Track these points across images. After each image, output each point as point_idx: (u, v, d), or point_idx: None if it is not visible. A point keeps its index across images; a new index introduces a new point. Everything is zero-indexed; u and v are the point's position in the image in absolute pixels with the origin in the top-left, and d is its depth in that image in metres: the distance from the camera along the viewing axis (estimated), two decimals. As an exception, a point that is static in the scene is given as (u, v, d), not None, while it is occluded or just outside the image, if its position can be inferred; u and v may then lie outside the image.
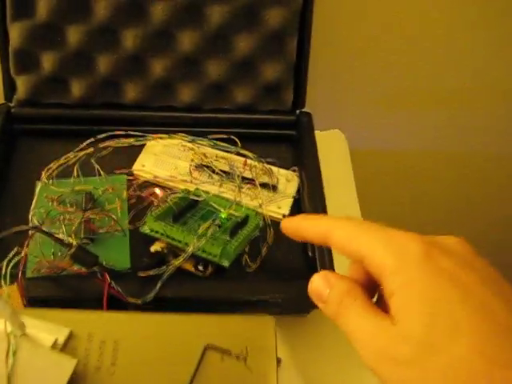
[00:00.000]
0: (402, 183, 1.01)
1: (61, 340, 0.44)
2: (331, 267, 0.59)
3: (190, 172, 0.68)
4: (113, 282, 0.55)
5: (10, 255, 0.51)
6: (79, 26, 0.67)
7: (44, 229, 0.58)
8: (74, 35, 0.67)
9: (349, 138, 0.81)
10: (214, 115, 0.73)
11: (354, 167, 0.79)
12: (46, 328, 0.44)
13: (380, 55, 0.84)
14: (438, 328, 0.31)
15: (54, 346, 0.44)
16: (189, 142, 0.69)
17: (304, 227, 0.40)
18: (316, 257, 0.60)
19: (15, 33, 0.67)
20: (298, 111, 0.74)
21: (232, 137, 0.70)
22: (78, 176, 0.65)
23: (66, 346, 0.44)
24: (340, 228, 0.36)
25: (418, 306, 0.31)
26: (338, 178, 0.76)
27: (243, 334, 0.46)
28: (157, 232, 0.59)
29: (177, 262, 0.57)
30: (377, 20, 0.80)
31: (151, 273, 0.57)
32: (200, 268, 0.59)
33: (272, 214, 0.66)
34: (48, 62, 0.68)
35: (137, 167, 0.69)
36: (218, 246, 0.57)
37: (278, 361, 0.58)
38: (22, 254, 0.53)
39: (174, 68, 0.70)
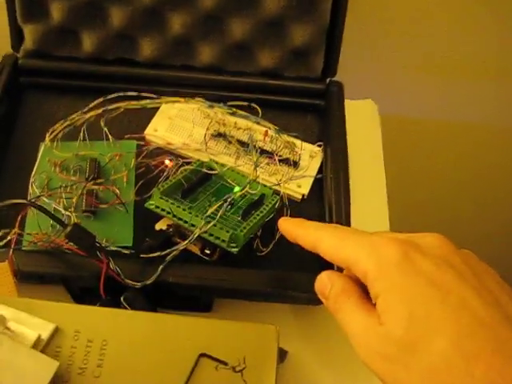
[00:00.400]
0: (431, 155, 0.95)
1: (44, 336, 0.41)
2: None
3: (205, 141, 0.63)
4: (111, 263, 0.51)
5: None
6: (91, -28, 0.61)
7: (44, 199, 0.55)
8: (85, -18, 0.61)
9: (380, 108, 0.75)
10: (235, 78, 0.66)
11: (383, 135, 0.73)
12: (30, 322, 0.41)
13: (416, 21, 0.76)
14: (417, 328, 0.33)
15: (37, 342, 0.40)
16: (206, 107, 0.64)
17: (296, 234, 0.44)
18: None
19: (22, -23, 0.61)
20: (328, 80, 0.67)
21: (253, 105, 0.64)
22: (84, 139, 0.61)
23: (49, 343, 0.41)
24: (327, 238, 0.40)
25: (398, 308, 0.34)
26: (366, 152, 0.70)
27: (242, 343, 0.41)
28: (163, 210, 0.55)
29: (181, 246, 0.53)
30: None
31: (154, 255, 0.53)
32: (207, 251, 0.54)
33: (290, 193, 0.61)
34: (57, 10, 0.63)
35: (149, 131, 0.64)
36: (226, 230, 0.52)
37: (284, 353, 0.55)
38: (15, 229, 0.49)
39: (194, 24, 0.63)
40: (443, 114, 0.88)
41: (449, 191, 1.02)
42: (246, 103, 0.64)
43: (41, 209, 0.50)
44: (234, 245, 0.54)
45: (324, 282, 0.41)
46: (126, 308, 0.52)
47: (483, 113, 0.88)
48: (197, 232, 0.52)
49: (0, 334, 0.39)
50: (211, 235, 0.53)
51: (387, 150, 0.72)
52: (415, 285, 0.34)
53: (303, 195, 0.61)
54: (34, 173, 0.57)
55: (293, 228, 0.44)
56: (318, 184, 0.62)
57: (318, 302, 0.57)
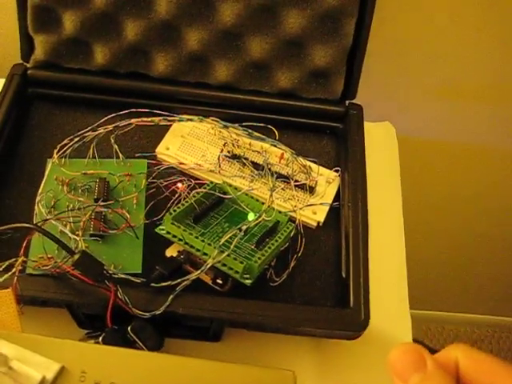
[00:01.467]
0: (449, 177, 0.93)
1: (49, 377, 0.38)
2: (366, 292, 0.52)
3: (219, 162, 0.60)
4: (119, 291, 0.49)
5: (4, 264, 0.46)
6: (107, -17, 0.58)
7: (52, 221, 0.53)
8: (100, -6, 0.59)
9: (398, 130, 0.73)
10: (251, 98, 0.64)
11: (401, 157, 0.71)
12: (35, 361, 0.39)
13: (434, 46, 0.74)
14: None
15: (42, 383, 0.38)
16: (221, 127, 0.61)
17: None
18: (350, 279, 0.53)
19: (35, -14, 0.59)
20: (347, 102, 0.65)
21: (269, 126, 0.62)
22: (93, 156, 0.58)
23: (54, 385, 0.39)
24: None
25: None
26: (383, 176, 0.68)
27: (258, 390, 0.39)
28: (174, 236, 0.53)
29: (192, 276, 0.50)
30: (436, 9, 0.70)
31: (164, 284, 0.51)
32: (219, 281, 0.52)
33: (305, 220, 0.59)
34: (70, 21, 0.60)
35: (160, 150, 0.62)
36: (240, 261, 0.50)
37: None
38: (21, 257, 0.47)
39: (211, 41, 0.61)
40: (459, 137, 0.86)
41: (467, 215, 1.00)
42: (261, 124, 0.62)
43: (47, 234, 0.47)
44: (247, 276, 0.51)
45: (408, 360, 0.28)
46: (132, 338, 0.50)
47: (500, 136, 0.86)
48: (210, 262, 0.50)
49: (2, 374, 0.37)
50: (224, 265, 0.51)
51: (404, 172, 0.70)
52: None
53: (319, 222, 0.59)
54: (40, 191, 0.55)
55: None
56: (334, 211, 0.60)
57: (332, 337, 0.55)
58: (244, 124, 0.61)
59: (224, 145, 0.61)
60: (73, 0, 0.59)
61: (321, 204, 0.59)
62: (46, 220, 0.51)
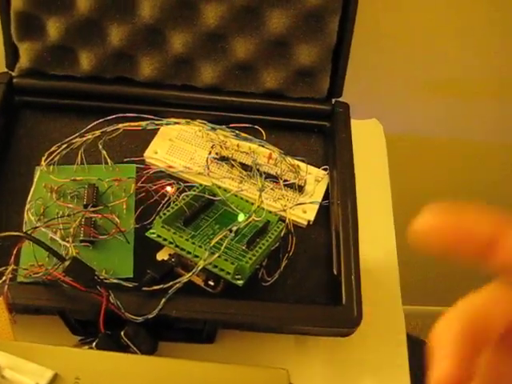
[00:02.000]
0: (437, 173, 0.93)
1: (43, 384, 0.39)
2: (358, 289, 0.53)
3: (207, 164, 0.60)
4: (111, 296, 0.49)
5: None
6: (90, -11, 0.58)
7: (41, 228, 0.53)
8: None
9: (385, 128, 0.73)
10: (237, 99, 0.64)
11: (389, 155, 0.71)
12: (28, 368, 0.38)
13: (420, 41, 0.75)
14: None
15: (35, 391, 0.38)
16: (208, 129, 0.61)
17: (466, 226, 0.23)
18: (342, 276, 0.54)
19: (17, -7, 0.58)
20: (333, 100, 0.65)
21: (256, 127, 0.62)
22: (82, 163, 0.58)
23: (48, 392, 0.39)
24: None
25: None
26: (372, 173, 0.68)
27: (252, 390, 0.40)
28: (165, 239, 0.53)
29: (184, 279, 0.50)
30: (419, 5, 0.71)
31: (156, 288, 0.51)
32: (210, 283, 0.52)
33: (295, 219, 0.59)
34: (54, 28, 0.60)
35: (149, 154, 0.62)
36: (231, 261, 0.50)
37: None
38: (11, 266, 0.47)
39: (195, 43, 0.61)
40: (448, 133, 0.87)
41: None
42: (249, 125, 0.62)
43: (37, 242, 0.47)
44: (239, 277, 0.52)
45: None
46: (126, 342, 0.50)
47: (488, 131, 0.87)
48: (201, 264, 0.50)
49: (-5, 383, 0.37)
50: (215, 267, 0.51)
51: (392, 169, 0.70)
52: None
53: (309, 221, 0.59)
54: (29, 199, 0.55)
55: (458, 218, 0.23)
56: (323, 209, 0.60)
57: (325, 334, 0.56)
58: (231, 125, 0.61)
59: (212, 147, 0.61)
60: (56, 7, 0.59)
61: (310, 203, 0.59)
62: (36, 228, 0.51)
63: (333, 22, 0.59)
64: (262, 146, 0.62)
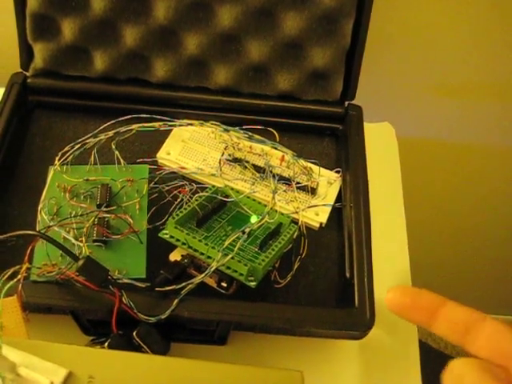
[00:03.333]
0: (449, 177, 0.93)
1: (57, 382, 0.38)
2: (370, 292, 0.53)
3: (220, 166, 0.60)
4: (124, 296, 0.49)
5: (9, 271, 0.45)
6: (105, -10, 0.58)
7: (54, 228, 0.53)
8: (98, 0, 0.59)
9: (397, 131, 0.73)
10: (251, 101, 0.64)
11: (401, 158, 0.71)
12: (42, 367, 0.39)
13: (434, 45, 0.74)
14: None
15: (49, 389, 0.38)
16: (221, 131, 0.61)
17: (442, 310, 0.30)
18: (354, 279, 0.53)
19: (33, -6, 0.59)
20: (346, 103, 0.65)
21: (269, 129, 0.62)
22: (95, 163, 0.58)
23: (62, 390, 0.39)
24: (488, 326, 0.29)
25: None
26: (384, 176, 0.68)
27: (267, 391, 0.39)
28: (177, 240, 0.53)
29: (197, 280, 0.50)
30: (432, 9, 0.71)
31: (169, 288, 0.51)
32: (223, 284, 0.52)
33: (308, 221, 0.59)
34: (69, 28, 0.60)
35: (161, 155, 0.62)
36: (244, 263, 0.50)
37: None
38: (25, 265, 0.47)
39: (209, 45, 0.61)
40: (460, 137, 0.86)
41: (468, 212, 1.00)
42: (262, 127, 0.62)
43: (51, 241, 0.47)
44: (252, 278, 0.51)
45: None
46: (138, 343, 0.50)
47: (500, 135, 0.87)
48: (214, 265, 0.50)
49: (10, 381, 0.37)
50: (228, 268, 0.51)
51: (404, 172, 0.70)
52: None
53: (321, 223, 0.59)
54: (42, 198, 0.55)
55: (435, 301, 0.31)
56: (336, 212, 0.60)
57: (338, 337, 0.55)
58: (244, 127, 0.61)
59: (225, 148, 0.61)
60: (71, 7, 0.59)
61: (323, 205, 0.59)
62: (49, 227, 0.51)
63: (347, 24, 0.59)
64: (275, 148, 0.62)
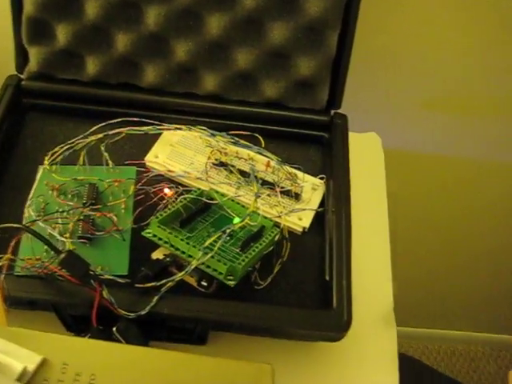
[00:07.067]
0: (434, 189, 0.94)
1: (31, 368, 0.39)
2: (348, 294, 0.53)
3: (206, 170, 0.62)
4: (105, 291, 0.50)
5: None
6: (98, -3, 0.60)
7: (40, 223, 0.54)
8: (91, 7, 0.61)
9: (384, 141, 0.74)
10: (238, 108, 0.66)
11: (387, 167, 0.72)
12: (17, 353, 0.39)
13: (420, 57, 0.76)
14: None
15: (23, 374, 0.39)
16: (208, 136, 0.63)
17: None
18: (333, 282, 0.54)
19: (29, -1, 0.61)
20: (332, 112, 0.66)
21: (256, 135, 0.63)
22: (84, 164, 0.60)
23: (36, 376, 0.39)
24: None
25: None
26: (369, 185, 0.69)
27: (237, 382, 0.40)
28: (160, 239, 0.54)
29: (177, 277, 0.51)
30: (420, 22, 0.73)
31: (149, 285, 0.52)
32: (203, 283, 0.53)
33: (291, 226, 0.60)
34: (63, 33, 0.62)
35: (150, 158, 0.63)
36: (224, 262, 0.51)
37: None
38: (8, 255, 0.48)
39: (198, 52, 0.63)
40: (446, 149, 0.88)
41: (451, 224, 1.01)
42: (248, 133, 0.64)
43: (35, 234, 0.49)
44: (231, 277, 0.52)
45: None
46: (117, 338, 0.51)
47: (485, 148, 0.88)
48: (194, 263, 0.51)
49: (-16, 364, 0.38)
50: (208, 267, 0.52)
51: (390, 183, 0.71)
52: None
53: (304, 228, 0.60)
54: (31, 196, 0.57)
55: None
56: (319, 217, 0.61)
57: (316, 338, 0.56)
58: (231, 132, 0.63)
59: (211, 153, 0.63)
60: (65, 13, 0.61)
61: (304, 210, 0.60)
62: (34, 221, 0.52)
63: (332, 35, 0.61)
64: (261, 154, 0.63)
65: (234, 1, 0.60)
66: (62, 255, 0.48)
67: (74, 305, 0.51)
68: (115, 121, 0.62)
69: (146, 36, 0.62)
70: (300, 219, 0.60)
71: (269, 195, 0.61)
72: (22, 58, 0.65)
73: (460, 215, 0.98)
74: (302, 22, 0.60)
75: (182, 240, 0.53)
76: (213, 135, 0.63)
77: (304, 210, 0.60)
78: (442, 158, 0.88)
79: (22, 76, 0.66)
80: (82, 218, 0.55)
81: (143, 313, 0.50)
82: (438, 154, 0.88)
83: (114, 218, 0.55)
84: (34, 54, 0.64)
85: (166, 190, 0.59)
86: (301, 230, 0.60)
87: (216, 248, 0.51)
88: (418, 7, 0.71)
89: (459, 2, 0.71)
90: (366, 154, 0.71)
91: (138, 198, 0.59)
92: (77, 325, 0.55)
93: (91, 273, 0.50)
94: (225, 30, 0.61)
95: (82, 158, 0.60)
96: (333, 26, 0.61)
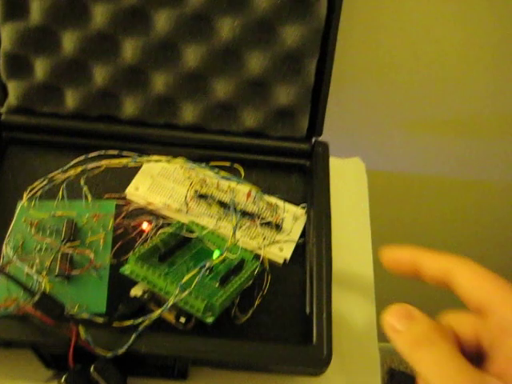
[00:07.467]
0: (417, 209, 0.93)
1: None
2: (329, 328, 0.53)
3: (187, 202, 0.61)
4: (82, 331, 0.50)
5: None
6: (75, 31, 0.60)
7: (17, 262, 0.54)
8: (69, 41, 0.60)
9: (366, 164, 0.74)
10: (219, 137, 0.65)
11: (370, 190, 0.72)
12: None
13: (402, 80, 0.76)
14: None
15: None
16: (189, 167, 0.62)
17: (421, 261, 0.35)
18: (313, 315, 0.54)
19: (6, 34, 0.60)
20: (313, 139, 0.66)
21: (235, 165, 0.63)
22: (63, 198, 0.59)
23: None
24: (467, 269, 0.33)
25: None
26: (353, 212, 0.69)
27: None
28: (138, 275, 0.53)
29: (154, 315, 0.51)
30: (399, 45, 0.72)
31: (126, 324, 0.51)
32: (181, 320, 0.53)
33: (272, 257, 0.59)
34: (41, 68, 0.62)
35: (130, 190, 0.63)
36: (202, 298, 0.51)
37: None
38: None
39: (177, 83, 0.62)
40: (430, 170, 0.87)
41: (438, 248, 1.00)
42: (228, 163, 0.63)
43: (8, 276, 0.48)
44: (209, 314, 0.52)
45: (398, 313, 0.33)
46: (95, 378, 0.50)
47: (470, 169, 0.87)
48: (171, 300, 0.51)
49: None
50: (186, 303, 0.52)
51: (373, 206, 0.70)
52: None
53: (285, 259, 0.60)
54: (8, 233, 0.56)
55: (416, 254, 0.35)
56: (301, 247, 0.61)
57: (296, 373, 0.55)
58: (211, 164, 0.62)
59: (191, 184, 0.62)
60: (43, 47, 0.61)
61: (285, 241, 0.60)
62: (10, 262, 0.52)
63: (310, 63, 0.61)
64: (241, 184, 0.63)
65: (210, 32, 0.60)
66: (36, 297, 0.48)
67: (52, 345, 0.51)
68: (95, 154, 0.61)
69: (124, 68, 0.62)
70: (281, 250, 0.60)
71: (249, 227, 0.60)
72: (1, 92, 0.64)
73: (446, 237, 0.97)
74: (280, 50, 0.60)
75: (159, 276, 0.52)
76: (193, 167, 0.62)
77: (285, 241, 0.59)
78: (428, 179, 0.88)
79: (1, 110, 0.66)
80: (59, 255, 0.54)
81: (120, 352, 0.50)
82: (421, 174, 0.87)
83: (91, 256, 0.54)
84: (13, 89, 0.64)
85: (144, 225, 0.58)
86: (282, 261, 0.60)
87: (193, 285, 0.51)
88: (398, 29, 0.71)
89: (440, 25, 0.70)
90: (349, 180, 0.70)
91: (118, 231, 0.59)
92: (56, 362, 0.55)
93: (67, 313, 0.50)
94: (202, 60, 0.61)
95: (60, 193, 0.59)
96: (311, 53, 0.60)
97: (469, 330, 0.32)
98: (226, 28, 0.59)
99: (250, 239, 0.60)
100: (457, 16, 0.70)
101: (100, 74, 0.62)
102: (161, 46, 0.61)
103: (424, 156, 0.85)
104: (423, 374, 0.30)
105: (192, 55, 0.61)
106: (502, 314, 0.31)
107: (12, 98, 0.64)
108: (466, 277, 0.33)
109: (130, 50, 0.61)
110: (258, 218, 0.60)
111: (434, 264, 0.34)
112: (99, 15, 0.59)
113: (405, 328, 0.32)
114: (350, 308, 0.61)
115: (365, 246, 0.66)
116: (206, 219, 0.61)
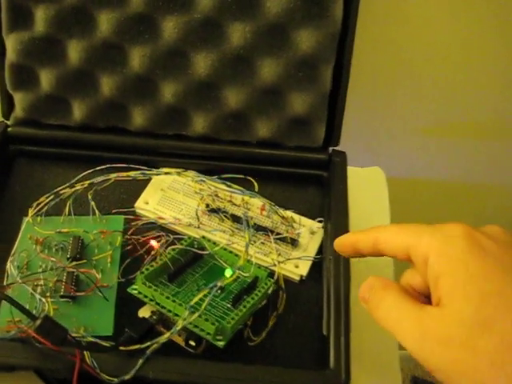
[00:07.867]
0: (438, 217, 0.90)
1: None
2: (347, 352, 0.49)
3: (198, 216, 0.59)
4: (87, 355, 0.47)
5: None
6: (81, 40, 0.58)
7: (20, 283, 0.52)
8: (75, 51, 0.59)
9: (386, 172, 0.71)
10: (231, 148, 0.63)
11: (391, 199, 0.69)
12: None
13: (419, 86, 0.73)
14: (488, 307, 0.32)
15: None
16: (200, 180, 0.60)
17: (356, 239, 0.42)
18: (330, 338, 0.51)
19: (11, 45, 0.59)
20: (330, 149, 0.63)
21: (248, 178, 0.60)
22: (69, 213, 0.57)
23: None
24: (386, 229, 0.40)
25: (466, 287, 0.33)
26: (373, 224, 0.65)
27: None
28: (145, 296, 0.51)
29: (162, 339, 0.48)
30: (417, 51, 0.70)
31: (133, 347, 0.49)
32: (191, 343, 0.50)
33: (287, 274, 0.56)
34: (47, 78, 0.60)
35: (139, 204, 0.60)
36: (212, 322, 0.48)
37: None
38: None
39: (187, 93, 0.60)
40: (450, 176, 0.84)
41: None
42: (241, 175, 0.61)
43: (9, 300, 0.46)
44: (220, 337, 0.49)
45: (365, 285, 0.40)
46: (101, 404, 0.48)
47: (492, 173, 0.84)
48: (180, 323, 0.48)
49: None
50: (196, 327, 0.49)
51: (395, 215, 0.67)
52: (483, 263, 0.33)
53: (301, 276, 0.57)
54: (13, 251, 0.54)
55: (351, 236, 0.43)
56: (317, 264, 0.57)
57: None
58: (223, 176, 0.60)
59: (202, 198, 0.60)
60: (48, 58, 0.59)
61: (298, 258, 0.56)
62: (12, 284, 0.50)
63: (326, 70, 0.58)
64: (254, 197, 0.60)
65: (220, 38, 0.57)
66: (38, 322, 0.45)
67: (56, 370, 0.49)
68: (103, 167, 0.59)
69: (131, 78, 0.60)
70: (297, 267, 0.57)
71: (263, 242, 0.57)
72: (7, 104, 0.63)
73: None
74: (294, 57, 0.57)
75: (167, 298, 0.50)
76: (205, 180, 0.60)
77: (298, 258, 0.56)
78: (447, 184, 0.85)
79: (8, 122, 0.64)
80: (65, 275, 0.52)
81: (127, 378, 0.47)
82: (441, 181, 0.84)
83: (97, 276, 0.52)
84: (19, 100, 0.62)
85: (153, 243, 0.56)
86: (298, 278, 0.57)
87: (203, 307, 0.48)
88: (414, 34, 0.68)
89: (453, 30, 0.68)
90: (369, 190, 0.67)
91: (127, 248, 0.57)
92: (62, 385, 0.53)
93: (71, 337, 0.47)
94: (213, 68, 0.58)
95: (67, 209, 0.57)
96: (326, 59, 0.57)
97: (418, 280, 0.38)
98: (237, 34, 0.57)
99: (264, 255, 0.57)
100: (479, 23, 0.67)
101: (107, 84, 0.60)
102: (169, 54, 0.58)
103: (444, 162, 0.81)
104: (383, 321, 0.37)
105: (202, 63, 0.58)
106: (421, 250, 0.36)
107: (19, 110, 0.62)
108: (387, 238, 0.39)
109: (137, 58, 0.58)
110: (273, 232, 0.57)
111: (365, 239, 0.41)
112: (105, 23, 0.57)
113: (369, 294, 0.38)
114: (370, 327, 0.58)
115: (385, 260, 0.63)
116: (218, 234, 0.58)
